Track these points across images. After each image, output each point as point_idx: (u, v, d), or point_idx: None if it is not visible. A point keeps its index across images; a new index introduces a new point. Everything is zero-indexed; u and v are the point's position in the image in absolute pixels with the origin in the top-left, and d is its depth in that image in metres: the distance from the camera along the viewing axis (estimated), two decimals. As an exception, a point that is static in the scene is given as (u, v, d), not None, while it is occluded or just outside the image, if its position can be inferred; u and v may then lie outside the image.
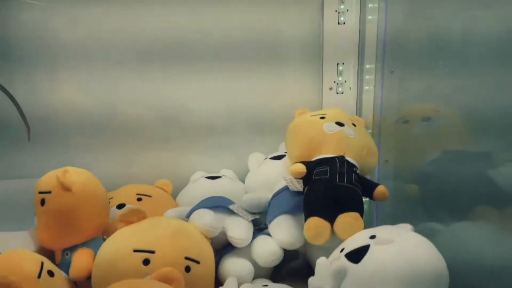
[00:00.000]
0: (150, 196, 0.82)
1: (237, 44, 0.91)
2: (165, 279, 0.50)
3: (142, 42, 0.91)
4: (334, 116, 0.78)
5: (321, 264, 0.54)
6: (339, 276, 0.49)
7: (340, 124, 0.76)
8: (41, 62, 0.90)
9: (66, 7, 0.89)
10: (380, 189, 0.68)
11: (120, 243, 0.61)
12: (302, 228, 0.65)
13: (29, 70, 0.90)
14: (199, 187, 0.87)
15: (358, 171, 0.71)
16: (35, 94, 0.91)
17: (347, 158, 0.71)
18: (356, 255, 0.51)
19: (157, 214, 0.75)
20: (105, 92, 0.93)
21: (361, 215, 0.63)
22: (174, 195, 0.89)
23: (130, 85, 0.93)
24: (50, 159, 0.80)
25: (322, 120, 0.77)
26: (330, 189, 0.66)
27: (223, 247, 0.75)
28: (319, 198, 0.66)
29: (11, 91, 0.67)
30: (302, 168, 0.69)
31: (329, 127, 0.75)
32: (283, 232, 0.70)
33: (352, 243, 0.54)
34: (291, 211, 0.72)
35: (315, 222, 0.63)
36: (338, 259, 0.52)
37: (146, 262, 0.58)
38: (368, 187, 0.69)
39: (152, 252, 0.59)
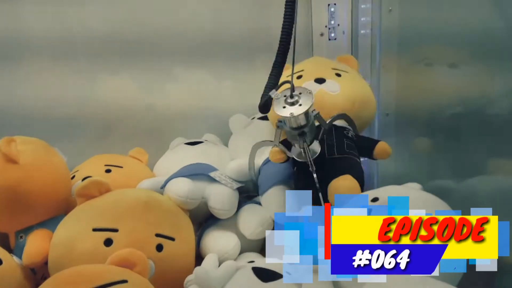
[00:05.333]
0: (121, 167, 0.72)
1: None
2: (124, 263, 0.41)
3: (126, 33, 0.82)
4: (313, 70, 0.66)
5: None
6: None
7: (320, 80, 0.64)
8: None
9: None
10: (381, 146, 0.59)
11: (78, 222, 0.52)
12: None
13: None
14: (178, 155, 0.77)
15: (350, 133, 0.62)
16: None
17: (334, 123, 0.60)
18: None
19: (129, 187, 0.66)
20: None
21: (360, 182, 0.55)
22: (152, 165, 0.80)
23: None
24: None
25: (300, 80, 0.65)
26: (319, 166, 0.55)
27: (205, 220, 0.66)
28: (301, 183, 0.58)
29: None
30: (280, 155, 0.58)
31: None
32: (278, 206, 0.61)
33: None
34: (286, 181, 0.63)
35: None
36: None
37: (108, 242, 0.49)
38: (367, 147, 0.60)
39: (115, 230, 0.50)
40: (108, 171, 0.71)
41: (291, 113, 0.48)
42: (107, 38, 0.81)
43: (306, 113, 0.49)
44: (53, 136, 0.80)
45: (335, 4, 0.79)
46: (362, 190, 0.57)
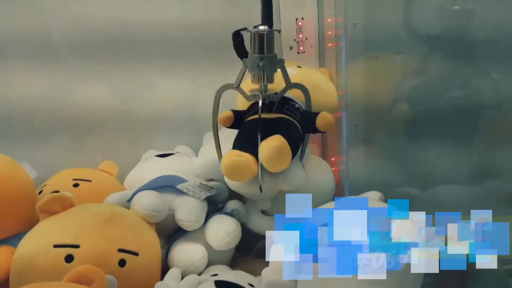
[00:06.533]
0: (89, 181, 0.72)
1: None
2: (82, 280, 0.41)
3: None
4: None
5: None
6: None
7: None
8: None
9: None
10: (322, 115, 0.60)
11: (39, 238, 0.52)
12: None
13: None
14: (147, 167, 0.77)
15: (298, 105, 0.64)
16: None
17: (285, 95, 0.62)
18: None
19: (97, 201, 0.66)
20: (43, 79, 0.83)
21: (293, 145, 0.57)
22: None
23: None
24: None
25: None
26: (252, 123, 0.59)
27: (174, 232, 0.67)
28: (240, 135, 0.59)
29: None
30: (228, 115, 0.62)
31: None
32: (250, 219, 0.64)
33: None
34: None
35: (232, 152, 0.55)
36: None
37: (69, 258, 0.49)
38: (310, 119, 0.61)
39: (77, 246, 0.50)
40: (76, 185, 0.71)
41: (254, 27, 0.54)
42: (84, 41, 0.81)
43: (268, 35, 0.54)
44: (23, 142, 0.80)
45: (302, 18, 0.81)
46: (295, 154, 0.58)
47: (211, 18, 0.82)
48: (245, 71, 0.58)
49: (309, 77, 0.72)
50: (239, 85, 0.58)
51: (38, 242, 0.51)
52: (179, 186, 0.65)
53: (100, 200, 0.66)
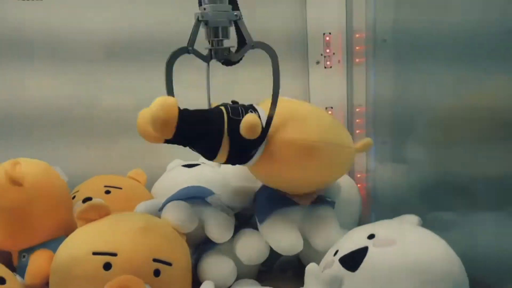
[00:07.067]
0: (120, 188, 0.74)
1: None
2: (124, 289, 0.43)
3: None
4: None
5: (311, 272, 0.46)
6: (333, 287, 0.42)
7: None
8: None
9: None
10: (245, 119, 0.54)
11: (78, 245, 0.54)
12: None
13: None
14: (175, 177, 0.79)
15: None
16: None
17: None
18: (352, 261, 0.43)
19: (128, 208, 0.68)
20: (72, 84, 0.86)
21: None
22: (150, 186, 0.81)
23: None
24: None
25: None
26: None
27: (202, 243, 0.68)
28: None
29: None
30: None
31: None
32: (280, 237, 0.61)
33: (347, 243, 0.46)
34: (285, 208, 0.63)
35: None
36: (331, 265, 0.44)
37: (107, 266, 0.51)
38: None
39: (114, 254, 0.51)
40: (107, 192, 0.73)
41: None
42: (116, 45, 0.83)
43: None
44: (53, 146, 0.81)
45: (330, 33, 0.83)
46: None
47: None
48: (196, 32, 0.54)
49: (296, 107, 0.61)
50: (192, 45, 0.54)
51: (78, 249, 0.53)
52: (208, 199, 0.67)
53: (130, 208, 0.68)
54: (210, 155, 0.55)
